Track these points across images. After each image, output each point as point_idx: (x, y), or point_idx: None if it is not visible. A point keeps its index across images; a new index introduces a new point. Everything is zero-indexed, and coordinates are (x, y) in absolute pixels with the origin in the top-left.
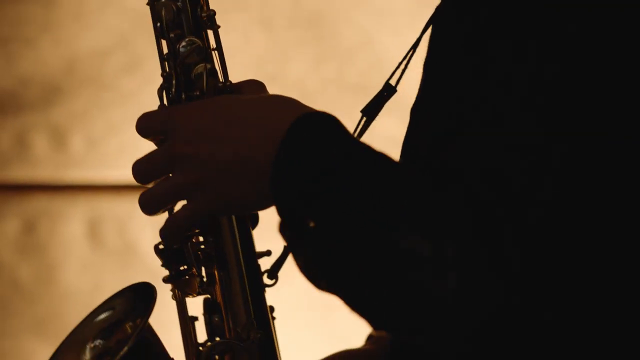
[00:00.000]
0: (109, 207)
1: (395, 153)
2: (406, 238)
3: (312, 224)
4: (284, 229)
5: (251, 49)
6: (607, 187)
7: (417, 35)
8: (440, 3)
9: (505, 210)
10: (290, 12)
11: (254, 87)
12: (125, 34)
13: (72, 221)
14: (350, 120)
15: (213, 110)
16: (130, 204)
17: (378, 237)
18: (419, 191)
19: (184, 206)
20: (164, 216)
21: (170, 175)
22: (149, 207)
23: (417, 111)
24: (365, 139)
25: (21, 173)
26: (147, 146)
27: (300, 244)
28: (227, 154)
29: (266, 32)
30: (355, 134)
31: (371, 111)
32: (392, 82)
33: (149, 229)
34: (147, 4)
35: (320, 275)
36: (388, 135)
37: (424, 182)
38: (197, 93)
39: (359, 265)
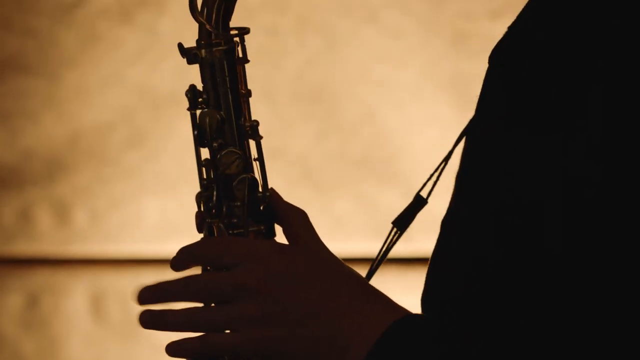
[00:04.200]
0: (111, 282)
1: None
2: None
3: None
4: None
5: None
6: None
7: (420, 110)
8: (474, 116)
9: None
10: (292, 87)
11: (298, 216)
12: (127, 108)
13: (75, 295)
14: (354, 195)
15: (299, 262)
16: (133, 279)
17: None
18: None
19: (233, 334)
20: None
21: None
22: (195, 326)
23: (449, 226)
24: (370, 213)
25: (24, 247)
26: (151, 222)
27: None
28: (310, 311)
29: (269, 106)
30: (385, 246)
31: (402, 223)
32: (424, 193)
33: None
34: (188, 109)
35: None
36: (393, 209)
37: None
38: (238, 204)
39: None
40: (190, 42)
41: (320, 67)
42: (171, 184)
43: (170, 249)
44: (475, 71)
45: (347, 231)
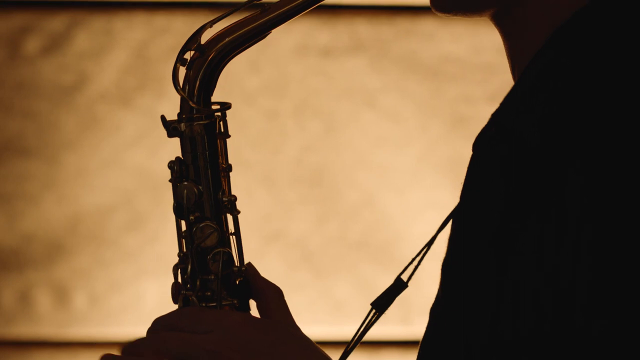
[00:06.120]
0: None
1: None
2: None
3: None
4: None
5: (254, 207)
6: None
7: (419, 194)
8: (460, 202)
9: None
10: (292, 171)
11: (273, 293)
12: (127, 191)
13: None
14: (354, 279)
15: (269, 334)
16: None
17: None
18: None
19: None
20: None
21: None
22: None
23: (438, 315)
24: (369, 297)
25: (24, 330)
26: (150, 304)
27: None
28: None
29: (269, 190)
30: (363, 327)
31: (381, 305)
32: (404, 277)
33: None
34: (170, 180)
35: None
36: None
37: None
38: (212, 277)
39: None
40: None
41: (320, 151)
42: (170, 267)
43: None
44: None
45: (347, 315)
